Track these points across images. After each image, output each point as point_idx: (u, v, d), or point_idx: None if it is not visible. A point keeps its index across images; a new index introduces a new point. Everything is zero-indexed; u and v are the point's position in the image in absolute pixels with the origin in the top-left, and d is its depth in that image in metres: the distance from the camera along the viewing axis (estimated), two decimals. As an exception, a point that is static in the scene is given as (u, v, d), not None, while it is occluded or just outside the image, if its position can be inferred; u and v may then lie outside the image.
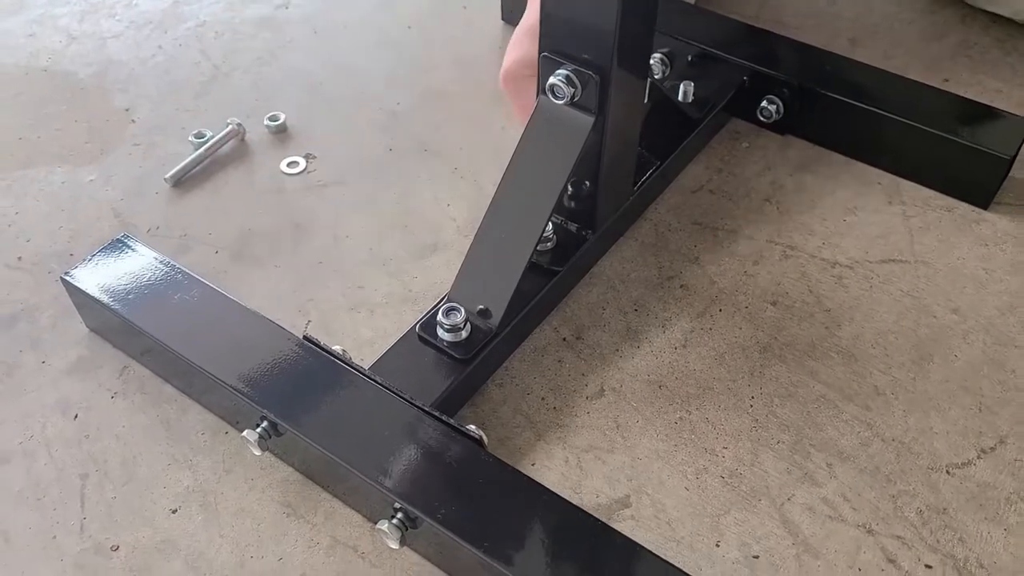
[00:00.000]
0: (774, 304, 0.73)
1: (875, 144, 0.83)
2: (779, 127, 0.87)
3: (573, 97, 0.62)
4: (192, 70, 0.98)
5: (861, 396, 0.67)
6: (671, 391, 0.67)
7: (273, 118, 0.89)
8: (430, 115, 0.91)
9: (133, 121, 0.92)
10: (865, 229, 0.79)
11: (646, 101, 0.80)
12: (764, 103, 0.85)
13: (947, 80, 0.93)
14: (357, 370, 0.62)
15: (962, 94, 0.86)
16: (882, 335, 0.71)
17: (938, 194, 0.82)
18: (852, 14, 1.03)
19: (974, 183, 0.79)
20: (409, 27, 1.04)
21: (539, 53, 0.63)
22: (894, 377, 0.68)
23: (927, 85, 0.85)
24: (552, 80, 0.62)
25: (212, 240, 0.79)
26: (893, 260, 0.76)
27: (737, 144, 0.87)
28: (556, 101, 0.63)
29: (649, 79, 0.82)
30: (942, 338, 0.70)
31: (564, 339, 0.71)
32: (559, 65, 0.62)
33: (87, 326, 0.73)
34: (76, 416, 0.67)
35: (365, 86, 0.95)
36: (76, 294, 0.69)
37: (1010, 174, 0.82)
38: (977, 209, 0.80)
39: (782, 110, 0.85)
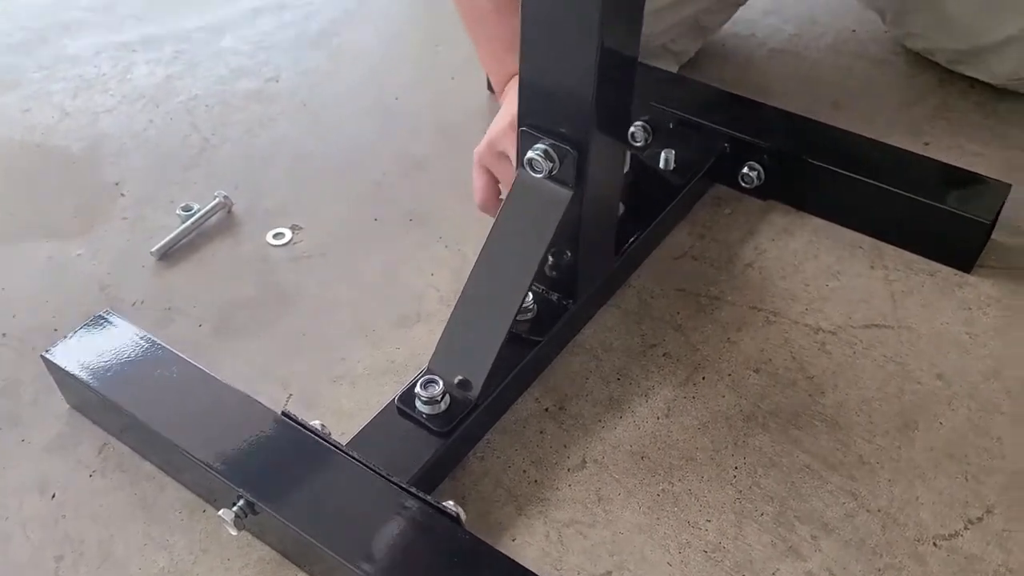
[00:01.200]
0: (757, 371, 0.73)
1: (856, 209, 0.83)
2: (761, 192, 0.87)
3: (551, 171, 0.63)
4: (182, 143, 0.99)
5: (846, 465, 0.66)
6: (653, 462, 0.67)
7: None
8: (415, 184, 0.92)
9: (122, 195, 0.93)
10: (848, 294, 0.79)
11: (627, 170, 0.81)
12: (745, 169, 0.86)
13: (927, 144, 0.94)
14: (335, 446, 0.62)
15: (942, 158, 0.87)
16: (866, 402, 0.70)
17: (921, 258, 0.82)
18: (834, 78, 1.05)
19: (956, 247, 0.80)
20: (397, 98, 1.05)
21: (518, 127, 0.64)
22: (879, 445, 0.67)
23: (906, 150, 0.85)
24: (530, 154, 0.63)
25: (196, 313, 0.80)
26: (876, 325, 0.76)
27: (720, 210, 0.88)
28: (534, 175, 0.64)
29: (629, 150, 0.84)
30: (927, 405, 0.70)
31: (546, 410, 0.71)
32: (537, 139, 0.63)
33: (68, 403, 0.72)
34: (54, 496, 0.66)
35: (352, 157, 0.97)
36: (56, 371, 0.69)
37: (993, 237, 0.82)
38: (960, 273, 0.80)
39: (763, 176, 0.86)
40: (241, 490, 0.59)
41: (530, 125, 0.63)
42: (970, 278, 0.80)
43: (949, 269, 0.81)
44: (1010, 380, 0.71)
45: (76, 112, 1.04)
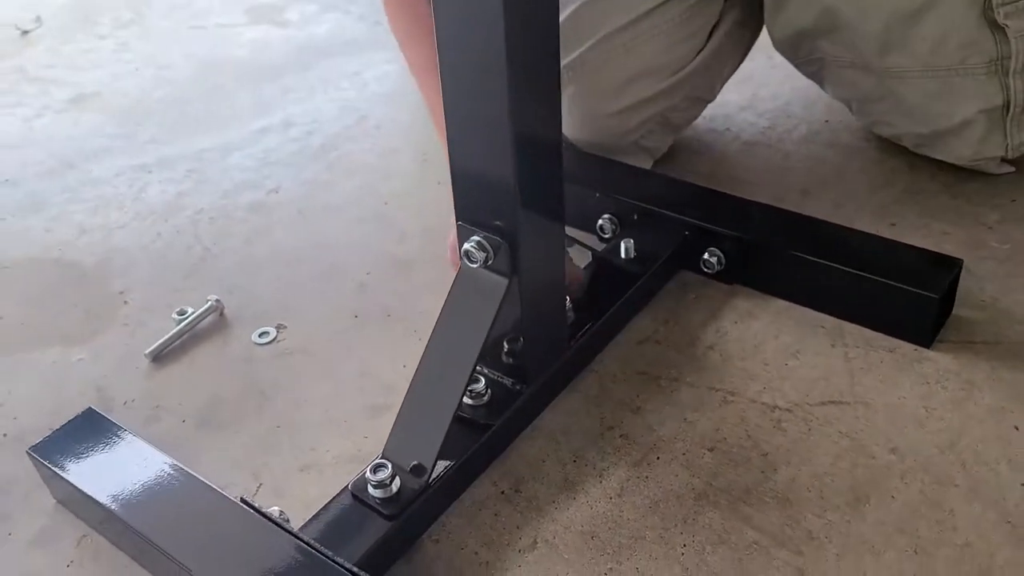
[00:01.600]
0: (711, 450, 0.74)
1: (815, 290, 0.85)
2: (724, 277, 0.90)
3: (487, 261, 0.67)
4: (185, 253, 1.06)
5: (794, 541, 0.66)
6: (603, 541, 0.68)
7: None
8: (396, 283, 0.97)
9: (126, 303, 0.99)
10: (806, 372, 0.80)
11: (588, 263, 0.85)
12: (706, 255, 0.89)
13: (894, 224, 0.96)
14: (288, 531, 0.64)
15: (908, 238, 0.89)
16: (818, 477, 0.71)
17: (882, 335, 0.83)
18: (805, 167, 1.08)
19: (912, 323, 0.81)
20: (386, 203, 1.11)
21: (455, 220, 0.68)
22: (828, 520, 0.67)
23: (862, 231, 0.88)
24: (466, 246, 0.67)
25: (181, 410, 0.84)
26: (833, 402, 0.77)
27: (685, 295, 0.91)
28: (472, 265, 0.68)
29: (598, 241, 0.88)
30: (879, 479, 0.70)
31: (502, 492, 0.73)
32: (472, 232, 0.67)
33: (54, 497, 0.77)
34: (33, 586, 0.70)
35: (339, 259, 1.02)
36: (41, 468, 0.74)
37: (955, 313, 0.83)
38: (920, 348, 0.81)
39: (723, 261, 0.88)
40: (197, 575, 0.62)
41: (464, 219, 0.67)
42: (930, 353, 0.81)
43: (909, 345, 0.82)
44: (965, 452, 0.71)
45: (93, 229, 1.13)
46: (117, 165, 1.26)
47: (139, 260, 1.06)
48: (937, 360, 0.80)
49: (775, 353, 0.82)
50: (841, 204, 1.01)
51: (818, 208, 0.99)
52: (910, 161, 1.06)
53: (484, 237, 0.66)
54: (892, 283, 0.80)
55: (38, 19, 1.74)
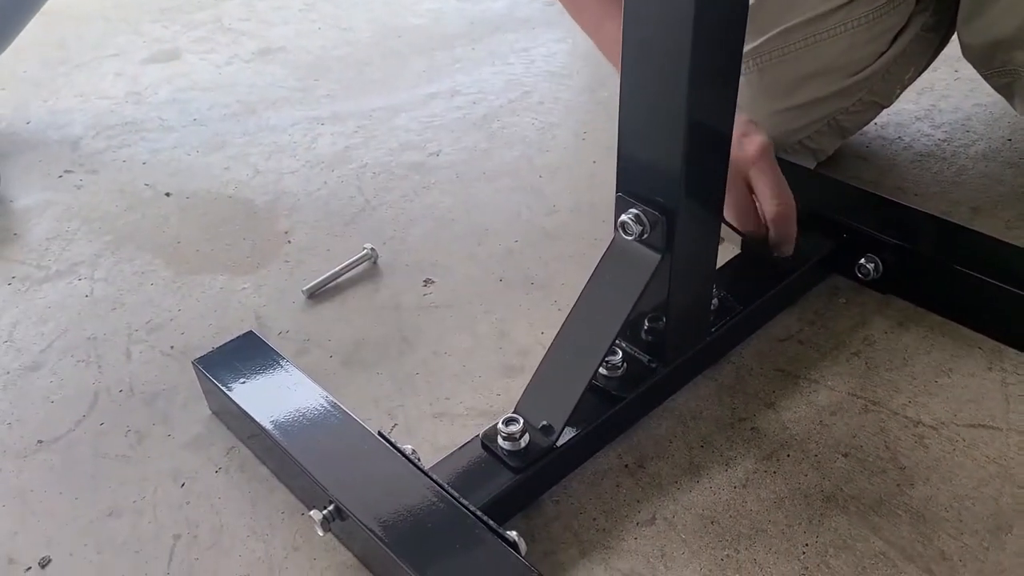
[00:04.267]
0: (846, 456, 0.72)
1: (977, 309, 0.82)
2: (879, 286, 0.87)
3: (642, 235, 0.68)
4: (347, 203, 1.12)
5: (924, 559, 0.64)
6: (723, 528, 0.67)
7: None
8: (542, 253, 0.99)
9: (289, 242, 1.05)
10: (957, 392, 0.77)
11: (741, 251, 0.84)
12: (862, 261, 0.86)
13: (1073, 253, 0.90)
14: (420, 468, 0.67)
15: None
16: (958, 499, 0.68)
17: (1047, 365, 0.79)
18: (979, 184, 1.03)
19: (1083, 355, 0.76)
20: (540, 176, 1.13)
21: (616, 192, 0.69)
22: (964, 543, 0.65)
23: (1035, 252, 0.83)
24: (623, 218, 0.68)
25: (329, 346, 0.89)
26: (983, 425, 0.74)
27: (835, 299, 0.88)
28: (627, 237, 0.69)
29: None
30: (1025, 510, 0.67)
31: (626, 466, 0.73)
32: (631, 205, 0.68)
33: (210, 409, 0.83)
34: (183, 484, 0.76)
35: (491, 224, 1.05)
36: (202, 379, 0.80)
37: None
38: (1087, 383, 0.76)
39: (880, 269, 0.86)
40: (332, 495, 0.66)
41: (625, 190, 0.68)
42: (1098, 390, 0.76)
43: (1075, 379, 0.77)
44: None
45: (266, 171, 1.20)
46: (293, 115, 1.33)
47: (304, 204, 1.12)
48: (1105, 398, 0.75)
49: (925, 368, 0.79)
50: (1014, 226, 0.96)
51: (988, 226, 0.94)
52: (1100, 190, 0.99)
53: (643, 211, 0.67)
54: (1065, 310, 0.76)
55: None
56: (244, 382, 0.77)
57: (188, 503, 0.74)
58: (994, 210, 0.98)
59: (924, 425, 0.74)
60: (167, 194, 1.17)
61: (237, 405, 0.75)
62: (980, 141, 1.10)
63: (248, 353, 0.80)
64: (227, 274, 1.01)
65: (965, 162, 1.07)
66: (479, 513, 0.63)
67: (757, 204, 0.82)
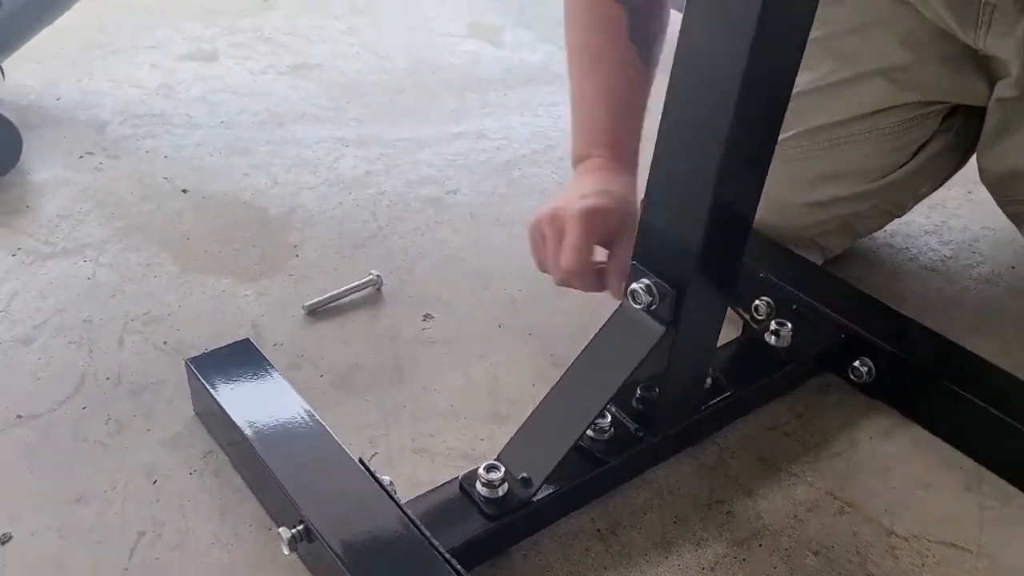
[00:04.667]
0: (816, 554, 0.72)
1: (963, 428, 0.82)
2: (870, 390, 0.88)
3: (650, 305, 0.69)
4: (360, 226, 1.13)
5: (881, 669, 0.64)
6: (686, 608, 0.67)
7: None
8: (546, 306, 1.00)
9: (297, 256, 1.06)
10: (933, 508, 0.77)
11: (740, 335, 0.85)
12: (856, 363, 0.87)
13: (1063, 386, 0.92)
14: (395, 501, 0.67)
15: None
16: (921, 614, 0.68)
17: (1024, 495, 0.79)
18: (979, 306, 1.05)
19: (1061, 490, 0.77)
20: (553, 230, 1.15)
21: (631, 260, 0.70)
22: (922, 660, 0.65)
23: (1026, 382, 0.84)
24: (634, 286, 0.69)
25: (322, 365, 0.89)
26: (955, 545, 0.74)
27: (826, 396, 0.89)
28: (635, 305, 0.70)
29: (747, 316, 0.88)
30: (986, 635, 0.67)
31: (599, 530, 0.73)
32: (644, 274, 0.69)
33: (194, 410, 0.83)
34: (156, 481, 0.76)
35: (498, 269, 1.06)
36: (192, 379, 0.80)
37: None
38: (1062, 518, 0.77)
39: (873, 373, 0.87)
40: (304, 515, 0.66)
41: (640, 260, 0.69)
42: (1072, 527, 0.76)
43: (1051, 512, 0.78)
44: (1087, 638, 0.67)
45: (284, 183, 1.21)
46: (320, 133, 1.35)
47: (318, 221, 1.13)
48: (1078, 536, 0.76)
49: (905, 479, 0.80)
50: (1008, 351, 0.97)
51: (983, 348, 0.94)
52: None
53: (655, 282, 0.68)
54: (1051, 444, 0.76)
55: (284, -12, 1.89)
56: (232, 388, 0.77)
57: (158, 501, 0.74)
58: (991, 333, 0.99)
59: (897, 536, 0.75)
60: (184, 190, 1.18)
61: (222, 409, 0.75)
62: (985, 264, 1.12)
63: (241, 360, 0.81)
64: (231, 278, 1.01)
65: (968, 282, 1.09)
66: (447, 556, 0.63)
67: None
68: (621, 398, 0.77)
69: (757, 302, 0.94)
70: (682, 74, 0.62)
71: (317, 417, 0.75)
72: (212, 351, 0.82)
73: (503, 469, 0.69)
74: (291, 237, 1.10)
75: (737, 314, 0.87)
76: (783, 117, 0.64)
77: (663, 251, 0.68)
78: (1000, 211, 1.01)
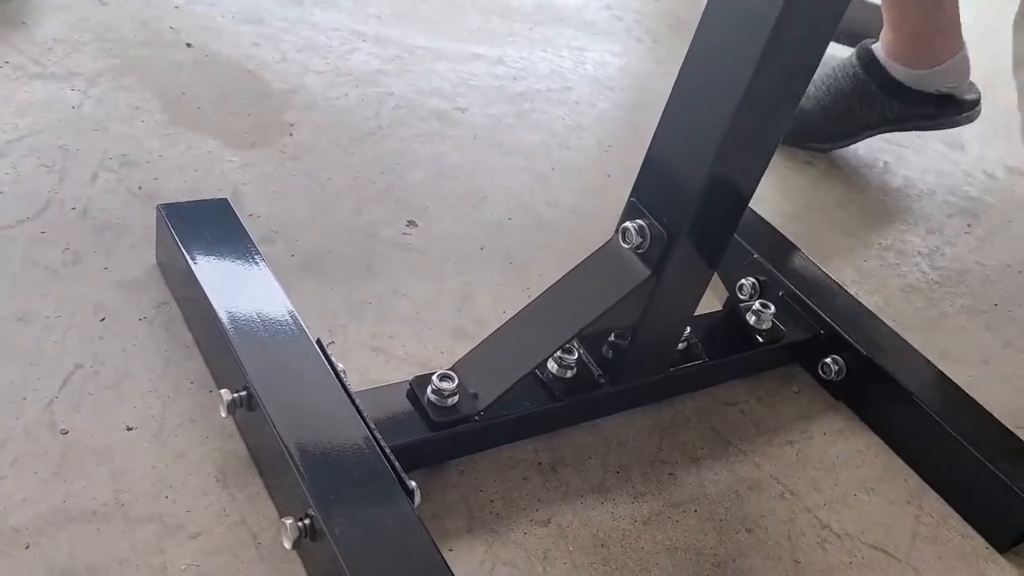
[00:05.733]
0: (749, 531, 0.72)
1: (918, 444, 0.82)
2: (835, 389, 0.87)
3: (639, 247, 0.67)
4: (361, 122, 1.09)
5: (789, 652, 0.64)
6: (611, 554, 0.66)
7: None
8: (530, 238, 0.98)
9: (290, 135, 1.03)
10: (872, 512, 0.77)
11: (721, 308, 0.84)
12: (828, 360, 0.86)
13: (1021, 428, 0.92)
14: (345, 389, 0.65)
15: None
16: (839, 609, 0.68)
17: (961, 519, 0.79)
18: (956, 334, 1.04)
19: (999, 522, 0.77)
20: (552, 168, 1.12)
21: (629, 196, 0.68)
22: (830, 652, 0.65)
23: (989, 413, 0.84)
24: (627, 224, 0.67)
25: (295, 245, 0.87)
26: (885, 551, 0.74)
27: (789, 386, 0.88)
28: (623, 244, 0.68)
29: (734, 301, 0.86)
30: (897, 642, 0.67)
31: (540, 463, 0.72)
32: (640, 214, 0.67)
33: (156, 259, 0.80)
34: (103, 319, 0.73)
35: (490, 193, 1.03)
36: (161, 226, 0.77)
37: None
38: (992, 549, 0.77)
39: (843, 373, 0.86)
40: (249, 381, 0.64)
41: (639, 198, 0.67)
42: (1000, 559, 0.76)
43: (983, 541, 0.77)
44: (992, 664, 0.67)
45: (293, 62, 1.17)
46: (337, 21, 1.30)
47: (320, 106, 1.10)
48: (1004, 568, 0.76)
49: (850, 480, 0.80)
50: (976, 385, 0.96)
51: (952, 373, 0.95)
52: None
53: (648, 224, 0.66)
54: (995, 472, 0.76)
55: None
56: (201, 244, 0.74)
57: (101, 338, 0.71)
58: (962, 361, 0.99)
59: (831, 531, 0.74)
60: (188, 44, 1.13)
61: (186, 261, 0.72)
62: (969, 296, 1.12)
63: (215, 218, 0.78)
64: (220, 140, 0.98)
65: (949, 310, 1.08)
66: (388, 450, 0.61)
67: None
68: (592, 342, 0.75)
69: (743, 282, 0.93)
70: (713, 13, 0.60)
71: (282, 291, 0.72)
72: (187, 203, 0.79)
73: (456, 381, 0.67)
74: (288, 116, 1.06)
75: (723, 282, 0.86)
76: (811, 75, 0.62)
77: (663, 192, 0.66)
78: (992, 249, 1.00)
